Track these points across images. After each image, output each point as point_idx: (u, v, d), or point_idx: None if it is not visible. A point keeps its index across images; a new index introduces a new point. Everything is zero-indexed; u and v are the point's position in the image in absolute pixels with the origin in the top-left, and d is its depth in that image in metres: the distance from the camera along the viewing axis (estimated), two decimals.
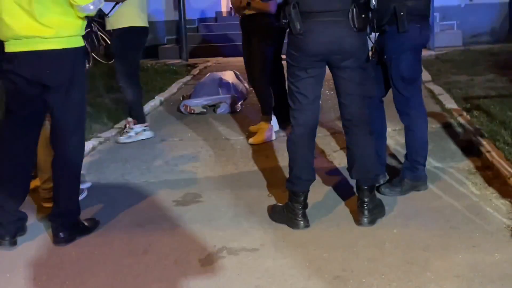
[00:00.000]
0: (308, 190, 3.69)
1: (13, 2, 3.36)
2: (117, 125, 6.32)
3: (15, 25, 3.38)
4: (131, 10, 5.48)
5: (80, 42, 3.55)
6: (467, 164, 4.62)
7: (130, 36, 5.58)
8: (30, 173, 3.76)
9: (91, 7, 3.44)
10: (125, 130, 5.82)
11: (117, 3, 5.25)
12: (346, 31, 3.46)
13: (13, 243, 3.59)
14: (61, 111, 3.54)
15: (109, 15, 5.30)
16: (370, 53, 3.77)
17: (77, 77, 3.53)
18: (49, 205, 3.95)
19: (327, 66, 3.62)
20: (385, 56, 3.94)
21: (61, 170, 3.63)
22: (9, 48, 3.47)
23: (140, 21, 5.60)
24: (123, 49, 5.61)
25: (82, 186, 4.10)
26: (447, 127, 5.65)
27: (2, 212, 3.57)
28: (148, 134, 5.85)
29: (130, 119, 5.80)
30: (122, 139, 5.74)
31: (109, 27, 5.64)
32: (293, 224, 3.64)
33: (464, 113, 5.90)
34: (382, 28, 3.86)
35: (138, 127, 5.80)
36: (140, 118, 5.84)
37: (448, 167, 4.56)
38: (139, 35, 5.68)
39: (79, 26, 3.52)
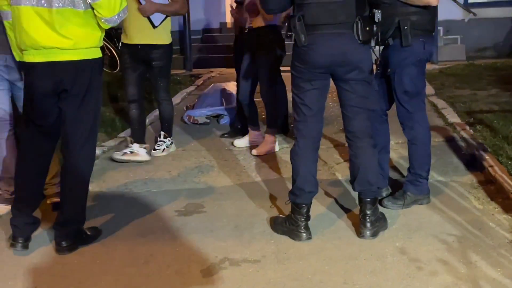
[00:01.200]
0: (311, 202, 3.69)
1: (33, 12, 3.39)
2: (120, 135, 6.33)
3: (34, 35, 3.40)
4: (169, 27, 5.51)
5: (98, 53, 3.58)
6: (469, 178, 4.62)
7: (171, 51, 5.62)
8: (45, 179, 3.82)
9: (116, 18, 3.48)
10: (156, 144, 5.72)
11: (167, 16, 5.29)
12: (350, 43, 3.47)
13: (25, 246, 3.63)
14: (75, 121, 3.56)
15: (156, 27, 5.31)
16: (374, 66, 3.78)
17: (92, 88, 3.55)
18: (56, 199, 4.01)
19: (331, 79, 3.63)
20: (388, 70, 3.95)
21: (70, 179, 3.64)
22: (28, 58, 3.50)
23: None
24: (168, 65, 5.58)
25: None
26: (450, 141, 5.65)
27: (18, 215, 3.64)
28: (173, 147, 5.81)
29: (162, 132, 5.70)
30: (157, 152, 5.63)
31: (148, 41, 5.37)
32: (295, 236, 3.64)
33: (467, 127, 5.90)
34: (386, 41, 3.88)
35: (168, 140, 5.73)
36: (170, 132, 5.77)
37: (451, 181, 4.56)
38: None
39: (98, 38, 3.55)
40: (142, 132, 5.62)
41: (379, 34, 3.62)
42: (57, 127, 3.63)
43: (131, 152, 5.44)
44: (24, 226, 3.64)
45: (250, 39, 5.59)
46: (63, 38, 3.41)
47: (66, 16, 3.40)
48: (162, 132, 5.71)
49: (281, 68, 5.75)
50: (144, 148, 5.52)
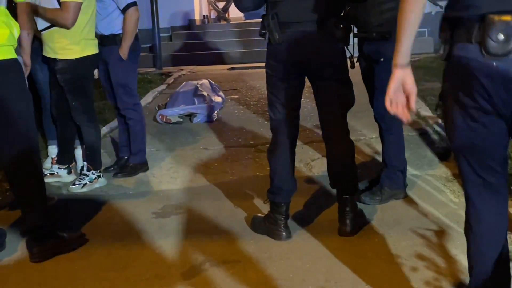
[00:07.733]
0: (290, 201, 3.68)
1: None
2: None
3: None
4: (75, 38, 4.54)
5: (11, 53, 3.35)
6: (444, 171, 4.66)
7: (82, 67, 4.60)
8: None
9: None
10: (78, 178, 4.83)
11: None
12: (325, 41, 3.45)
13: None
14: (3, 126, 3.36)
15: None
16: (349, 63, 3.77)
17: (13, 90, 3.34)
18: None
19: (306, 77, 3.62)
20: (381, 59, 3.89)
21: (17, 188, 3.49)
22: None
23: None
24: (77, 81, 4.59)
25: None
26: (423, 135, 5.69)
27: None
28: (102, 181, 4.85)
29: (85, 163, 4.82)
30: (75, 188, 4.71)
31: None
32: (275, 235, 3.62)
33: (440, 121, 5.95)
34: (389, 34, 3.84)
35: (93, 174, 4.79)
36: (99, 163, 4.86)
37: (426, 175, 4.60)
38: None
39: (6, 36, 3.29)
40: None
41: (391, 25, 3.59)
42: None
43: (51, 174, 4.89)
44: None
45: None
46: None
47: None
48: (85, 163, 4.82)
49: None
50: (65, 168, 4.93)
